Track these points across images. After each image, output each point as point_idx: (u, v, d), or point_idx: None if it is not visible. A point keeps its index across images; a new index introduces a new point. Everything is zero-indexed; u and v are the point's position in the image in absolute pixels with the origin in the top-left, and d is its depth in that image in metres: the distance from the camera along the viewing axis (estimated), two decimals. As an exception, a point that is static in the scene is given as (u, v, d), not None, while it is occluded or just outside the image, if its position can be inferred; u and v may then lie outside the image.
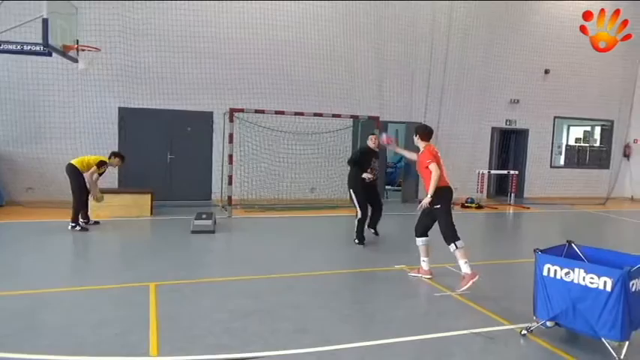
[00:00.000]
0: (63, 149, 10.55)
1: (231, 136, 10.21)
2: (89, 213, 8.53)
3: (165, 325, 4.27)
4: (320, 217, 10.51)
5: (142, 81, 11.05)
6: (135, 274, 5.89)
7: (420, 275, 6.01)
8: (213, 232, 8.23)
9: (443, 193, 5.58)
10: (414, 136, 5.92)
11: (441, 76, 13.38)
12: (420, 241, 5.94)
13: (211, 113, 11.62)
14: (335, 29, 12.36)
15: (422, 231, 5.92)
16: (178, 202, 10.79)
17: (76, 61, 8.59)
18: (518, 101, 14.38)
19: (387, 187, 14.07)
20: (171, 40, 11.15)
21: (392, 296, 5.33)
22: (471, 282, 5.33)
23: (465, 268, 5.42)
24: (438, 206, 5.58)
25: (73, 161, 8.28)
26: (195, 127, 11.55)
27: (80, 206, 8.24)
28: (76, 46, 8.40)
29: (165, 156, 11.36)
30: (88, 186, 8.29)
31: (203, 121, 11.58)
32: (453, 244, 5.51)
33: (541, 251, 4.30)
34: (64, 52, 7.97)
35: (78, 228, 8.07)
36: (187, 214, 9.18)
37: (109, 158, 8.57)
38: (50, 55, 8.30)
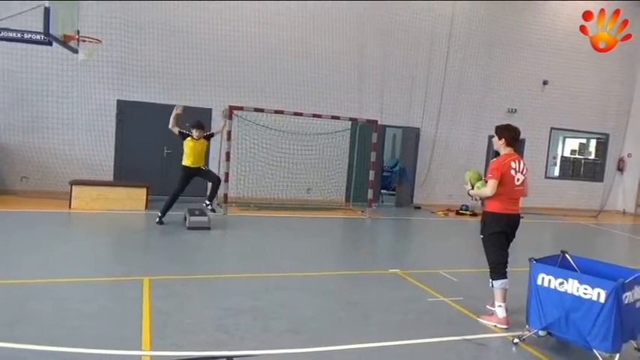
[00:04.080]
0: (59, 139, 10.51)
1: (229, 133, 10.19)
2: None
3: (158, 320, 4.26)
4: (315, 218, 10.49)
5: (142, 75, 10.99)
6: (129, 268, 5.86)
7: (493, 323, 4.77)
8: (209, 228, 8.21)
9: (489, 219, 4.80)
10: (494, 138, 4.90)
11: (440, 82, 13.44)
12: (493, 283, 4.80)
13: (210, 110, 11.59)
14: (339, 31, 12.35)
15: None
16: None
17: (76, 51, 8.54)
18: (515, 111, 14.44)
19: (382, 191, 14.09)
20: (172, 35, 11.12)
21: (385, 300, 5.34)
22: (494, 323, 4.69)
23: (499, 311, 4.70)
24: (481, 236, 4.90)
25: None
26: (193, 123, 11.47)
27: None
28: (77, 36, 8.35)
29: (162, 150, 11.30)
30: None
31: (202, 117, 11.46)
32: (490, 281, 4.82)
33: (536, 260, 4.33)
34: (64, 42, 7.92)
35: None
36: (182, 210, 9.12)
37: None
38: (50, 44, 8.27)
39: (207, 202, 8.71)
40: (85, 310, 4.42)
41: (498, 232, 4.76)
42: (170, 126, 8.49)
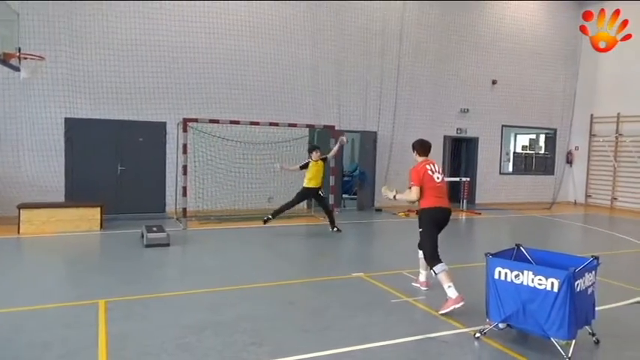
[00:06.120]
0: (5, 162, 10.03)
1: (185, 146, 9.97)
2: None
3: (115, 345, 4.09)
4: (278, 226, 10.37)
5: (90, 90, 10.64)
6: (84, 291, 5.63)
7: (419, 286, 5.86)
8: (168, 245, 8.00)
9: (423, 214, 5.46)
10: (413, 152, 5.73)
11: (393, 86, 13.67)
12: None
13: (164, 123, 11.35)
14: (291, 39, 12.39)
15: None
16: (130, 215, 10.44)
17: (18, 70, 8.17)
18: (468, 110, 14.86)
19: (343, 195, 14.14)
20: (120, 49, 10.83)
21: (349, 304, 5.33)
22: (452, 307, 4.97)
23: (450, 292, 5.04)
24: (420, 229, 5.50)
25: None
26: (147, 138, 11.24)
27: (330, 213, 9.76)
28: (17, 54, 7.99)
29: (116, 167, 10.96)
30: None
31: (156, 131, 11.29)
32: (432, 271, 5.31)
33: (492, 255, 4.43)
34: (4, 60, 7.56)
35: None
36: (140, 228, 8.86)
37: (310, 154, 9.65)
38: (-11, 63, 7.87)
39: (333, 227, 9.70)
40: (37, 340, 4.19)
41: (432, 225, 5.40)
42: (293, 168, 9.95)
